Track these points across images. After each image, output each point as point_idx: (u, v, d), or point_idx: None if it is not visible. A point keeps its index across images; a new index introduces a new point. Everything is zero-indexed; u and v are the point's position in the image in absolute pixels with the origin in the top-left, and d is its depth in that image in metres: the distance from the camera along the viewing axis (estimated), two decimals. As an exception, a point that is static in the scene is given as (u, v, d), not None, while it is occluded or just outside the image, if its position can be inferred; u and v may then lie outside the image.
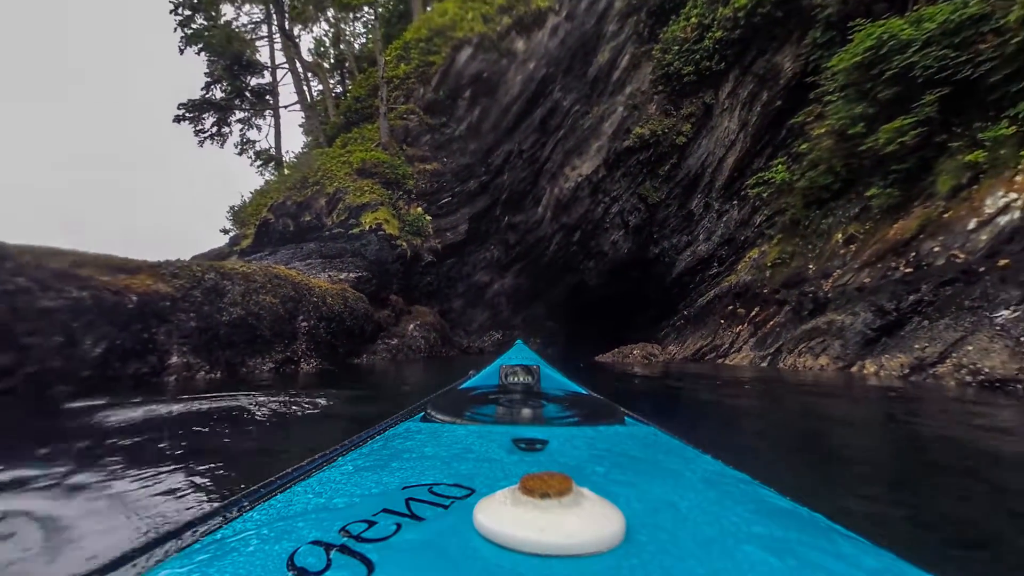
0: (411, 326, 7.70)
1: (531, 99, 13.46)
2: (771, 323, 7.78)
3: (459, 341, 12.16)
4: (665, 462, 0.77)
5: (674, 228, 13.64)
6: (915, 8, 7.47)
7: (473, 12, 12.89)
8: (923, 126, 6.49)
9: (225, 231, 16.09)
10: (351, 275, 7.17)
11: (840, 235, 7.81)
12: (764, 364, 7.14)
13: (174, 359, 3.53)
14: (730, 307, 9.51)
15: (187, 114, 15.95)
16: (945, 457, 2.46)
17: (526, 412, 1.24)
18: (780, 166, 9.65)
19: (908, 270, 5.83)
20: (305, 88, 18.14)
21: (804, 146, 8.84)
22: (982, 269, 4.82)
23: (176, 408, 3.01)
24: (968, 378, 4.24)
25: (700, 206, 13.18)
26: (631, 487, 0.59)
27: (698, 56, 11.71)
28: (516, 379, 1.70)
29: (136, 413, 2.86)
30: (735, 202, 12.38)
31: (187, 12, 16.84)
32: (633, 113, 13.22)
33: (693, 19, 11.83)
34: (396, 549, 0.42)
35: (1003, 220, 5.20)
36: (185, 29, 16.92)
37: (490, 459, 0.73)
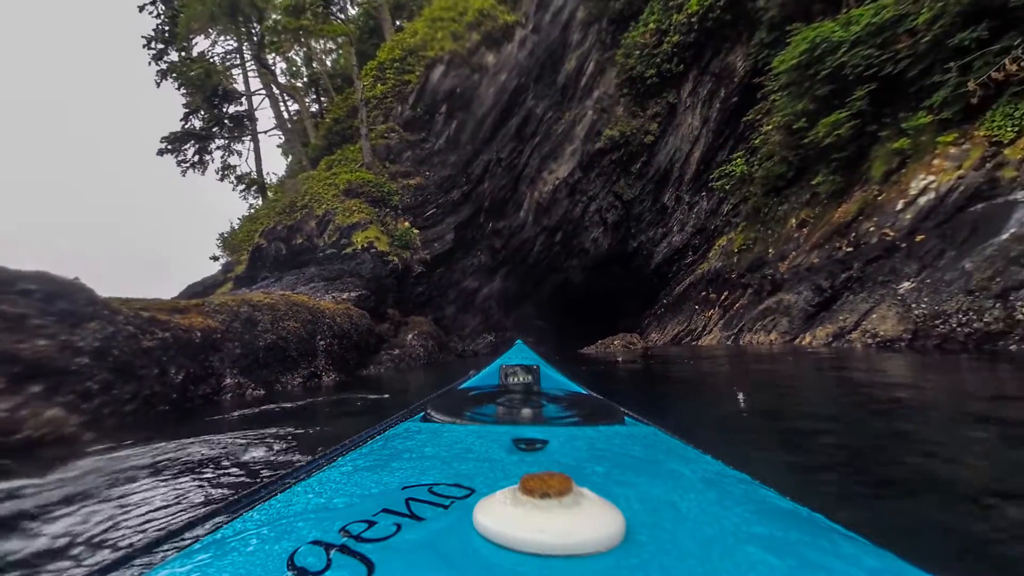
0: (410, 336, 8.24)
1: (505, 109, 14.04)
2: (736, 305, 8.49)
3: (454, 346, 12.68)
4: (665, 462, 0.77)
5: (650, 222, 14.36)
6: (846, 10, 8.24)
7: (443, 31, 13.43)
8: (856, 118, 7.24)
9: (215, 258, 16.36)
10: (351, 294, 7.70)
11: (794, 220, 8.55)
12: (729, 343, 7.84)
13: (227, 380, 4.10)
14: (703, 293, 10.21)
15: (169, 147, 16.22)
16: (838, 391, 3.22)
17: (526, 412, 1.24)
18: (739, 159, 10.39)
19: (849, 249, 6.55)
20: (283, 109, 18.50)
21: (758, 140, 9.58)
22: (904, 245, 5.55)
23: (287, 405, 3.80)
24: (869, 340, 5.00)
25: (672, 199, 13.90)
26: (631, 487, 0.60)
27: (658, 59, 12.42)
28: (516, 379, 1.71)
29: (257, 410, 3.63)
30: (704, 193, 13.13)
31: (159, 46, 17.10)
32: (602, 116, 13.90)
33: (651, 25, 12.54)
34: (396, 549, 0.42)
35: (923, 200, 5.94)
36: (159, 62, 17.18)
37: (490, 459, 0.73)
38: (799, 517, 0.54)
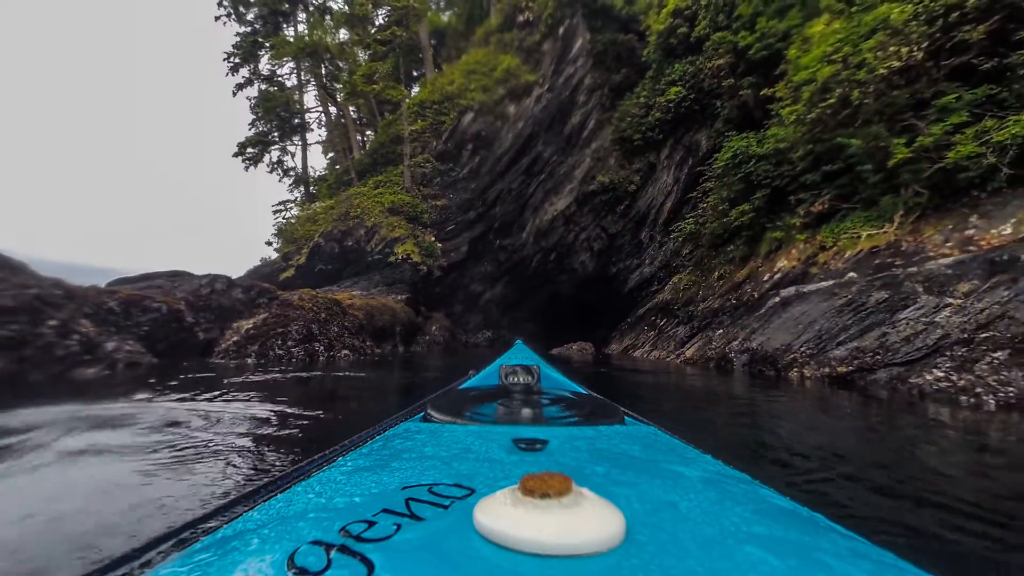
0: (433, 327, 11.46)
1: (519, 150, 17.25)
2: (667, 331, 11.76)
3: (461, 338, 16.01)
4: (665, 462, 0.76)
5: (627, 253, 17.60)
6: (767, 125, 11.42)
7: (476, 83, 16.61)
8: (756, 211, 10.46)
9: (269, 243, 19.71)
10: (401, 296, 10.96)
11: (717, 273, 11.78)
12: (647, 356, 11.14)
13: (369, 341, 7.42)
14: (653, 317, 13.47)
15: (246, 151, 19.54)
16: (675, 383, 6.42)
17: (526, 412, 1.23)
18: (690, 219, 13.60)
19: (734, 301, 9.81)
20: (334, 120, 21.73)
21: (701, 208, 12.80)
22: (750, 304, 8.80)
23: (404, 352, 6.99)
24: (705, 357, 8.27)
25: (647, 237, 17.15)
26: (631, 487, 0.60)
27: (644, 127, 15.61)
28: (516, 379, 1.72)
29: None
30: (671, 236, 16.34)
31: (236, 60, 20.32)
32: (597, 164, 17.12)
33: (641, 99, 15.72)
34: (396, 549, 0.42)
35: (777, 276, 9.17)
36: (234, 74, 20.40)
37: (490, 459, 0.73)
38: (799, 517, 0.54)
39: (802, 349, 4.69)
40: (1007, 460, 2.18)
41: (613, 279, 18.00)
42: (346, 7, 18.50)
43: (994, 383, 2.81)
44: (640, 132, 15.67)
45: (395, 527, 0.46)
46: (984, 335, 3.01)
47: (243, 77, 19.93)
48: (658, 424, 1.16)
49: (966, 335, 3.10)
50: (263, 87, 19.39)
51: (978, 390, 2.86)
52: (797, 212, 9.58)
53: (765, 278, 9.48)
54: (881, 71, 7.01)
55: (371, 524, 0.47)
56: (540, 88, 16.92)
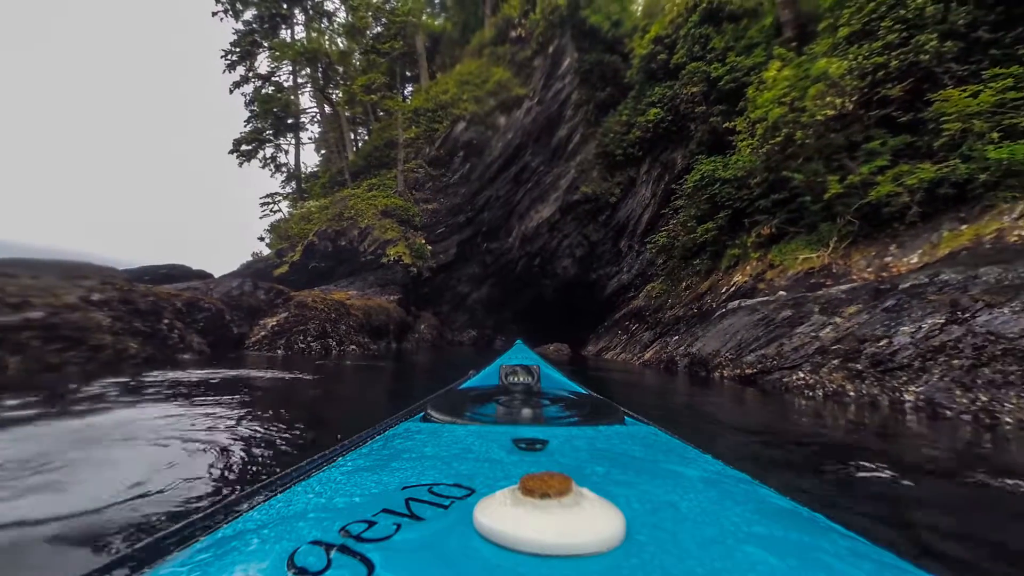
0: (422, 326, 12.27)
1: (508, 159, 18.15)
2: (636, 336, 12.83)
3: (447, 336, 16.84)
4: (665, 462, 0.76)
5: (607, 261, 18.67)
6: (732, 152, 12.55)
7: (468, 93, 17.44)
8: (718, 230, 11.58)
9: (261, 238, 20.21)
10: (393, 297, 11.74)
11: (685, 283, 12.89)
12: (616, 357, 12.20)
13: (365, 338, 8.22)
14: (627, 322, 14.53)
15: (240, 148, 19.96)
16: (625, 379, 7.40)
17: (526, 412, 1.24)
18: (663, 232, 14.70)
19: (695, 311, 10.90)
20: (329, 121, 22.26)
21: (673, 223, 13.91)
22: (703, 313, 9.87)
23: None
24: (659, 359, 9.32)
25: (626, 247, 18.23)
26: (631, 487, 0.60)
27: (625, 144, 16.67)
28: (516, 379, 1.73)
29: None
30: (648, 247, 17.46)
31: (234, 58, 20.71)
32: (581, 175, 18.13)
33: (623, 117, 16.77)
34: (396, 549, 0.42)
35: (733, 289, 10.28)
36: (231, 71, 20.78)
37: (490, 459, 0.74)
38: (799, 517, 0.55)
39: (726, 355, 5.69)
40: (815, 422, 3.19)
41: (593, 284, 19.04)
42: (346, 14, 19.13)
43: (826, 382, 3.84)
44: (622, 148, 16.73)
45: (395, 527, 0.46)
46: (834, 347, 4.02)
47: (240, 75, 20.35)
48: (658, 424, 1.18)
49: (825, 347, 4.11)
50: (258, 84, 19.85)
51: (817, 387, 3.88)
52: (752, 233, 10.72)
53: (723, 290, 10.59)
54: (820, 117, 8.11)
55: (371, 524, 0.47)
56: (530, 101, 17.84)
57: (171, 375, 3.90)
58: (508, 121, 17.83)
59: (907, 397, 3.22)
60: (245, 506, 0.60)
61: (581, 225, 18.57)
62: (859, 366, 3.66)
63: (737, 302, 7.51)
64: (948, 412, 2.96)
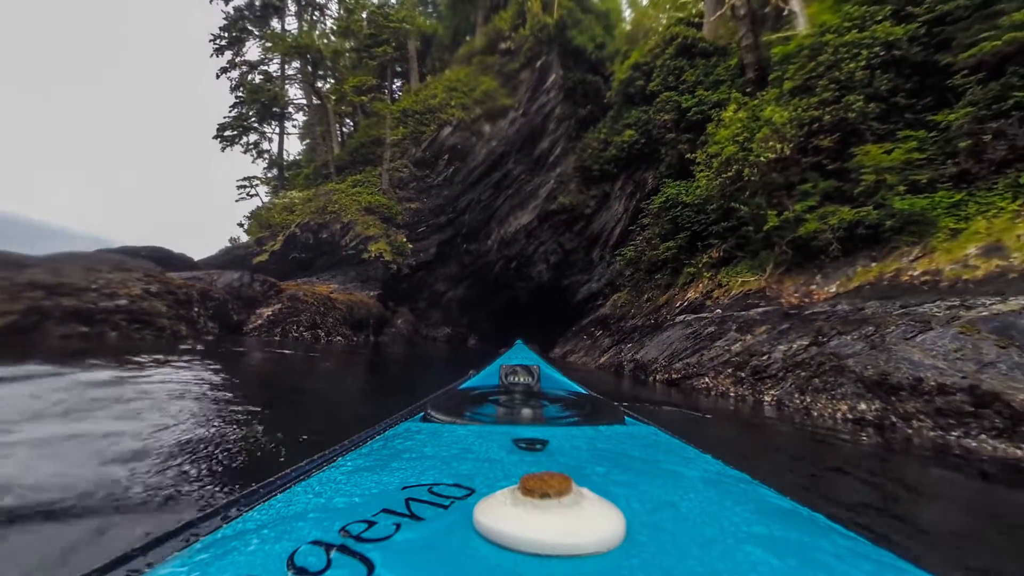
0: (399, 321, 12.87)
1: (491, 166, 18.91)
2: (598, 341, 13.84)
3: (422, 332, 17.47)
4: (665, 462, 0.77)
5: (580, 268, 19.68)
6: (695, 178, 13.70)
7: (456, 100, 18.10)
8: (678, 249, 12.69)
9: (240, 225, 20.28)
10: (373, 292, 12.30)
11: (647, 296, 13.98)
12: (578, 360, 13.19)
13: (348, 331, 8.77)
14: (592, 328, 15.54)
15: (224, 134, 19.93)
16: (575, 377, 8.32)
17: (526, 412, 1.24)
18: (631, 247, 15.79)
19: (652, 322, 11.96)
20: (317, 112, 22.44)
21: (639, 238, 15.02)
22: (657, 325, 10.93)
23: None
24: (611, 364, 10.33)
25: (597, 256, 19.28)
26: (631, 487, 0.60)
27: (602, 160, 17.69)
28: (516, 379, 1.74)
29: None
30: (617, 258, 18.56)
31: (222, 43, 20.68)
32: (560, 186, 19.07)
33: (602, 134, 17.79)
34: (396, 549, 0.42)
35: (686, 304, 11.38)
36: (219, 56, 20.74)
37: (490, 459, 0.74)
38: (799, 517, 0.55)
39: (661, 361, 6.66)
40: (705, 406, 4.15)
41: (565, 290, 20.02)
42: (338, 8, 19.44)
43: (720, 385, 4.85)
44: (599, 164, 17.75)
45: (395, 527, 0.46)
46: (735, 359, 5.00)
47: (227, 61, 20.34)
48: (658, 424, 1.18)
49: (729, 359, 5.10)
50: (244, 70, 19.91)
51: (712, 389, 4.88)
52: (705, 254, 11.86)
53: (677, 304, 11.68)
54: (764, 158, 9.25)
55: (371, 524, 0.47)
56: (515, 112, 18.65)
57: (224, 347, 4.71)
58: (493, 129, 18.58)
59: (766, 398, 4.26)
60: (245, 506, 0.61)
61: (557, 233, 19.52)
62: (743, 374, 4.66)
63: (683, 316, 8.53)
64: (787, 408, 4.02)
